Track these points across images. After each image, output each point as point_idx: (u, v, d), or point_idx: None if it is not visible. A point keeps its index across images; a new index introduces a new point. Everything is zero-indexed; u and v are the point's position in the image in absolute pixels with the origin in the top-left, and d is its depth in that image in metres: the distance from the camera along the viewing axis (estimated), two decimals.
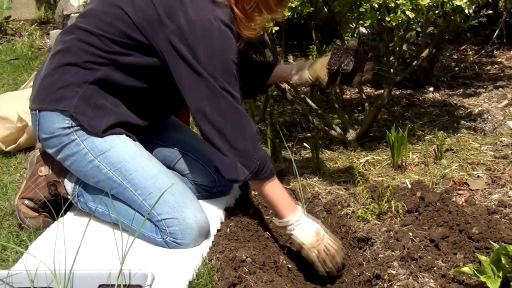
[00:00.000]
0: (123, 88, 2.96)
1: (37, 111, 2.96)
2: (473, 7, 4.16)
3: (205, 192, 3.34)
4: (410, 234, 2.96)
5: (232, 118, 2.85)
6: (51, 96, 2.93)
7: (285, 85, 4.18)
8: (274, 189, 2.99)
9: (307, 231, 2.95)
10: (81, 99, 2.89)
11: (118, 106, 2.98)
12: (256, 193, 3.48)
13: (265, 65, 3.52)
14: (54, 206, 3.04)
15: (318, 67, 3.31)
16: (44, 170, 3.18)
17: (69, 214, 3.21)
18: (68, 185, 3.13)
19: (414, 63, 4.43)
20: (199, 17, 2.79)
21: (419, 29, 5.20)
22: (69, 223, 3.05)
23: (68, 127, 2.90)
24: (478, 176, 3.50)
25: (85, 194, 3.09)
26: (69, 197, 3.12)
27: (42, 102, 2.95)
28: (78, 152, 2.93)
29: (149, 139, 3.27)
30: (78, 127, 2.91)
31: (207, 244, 2.94)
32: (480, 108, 4.86)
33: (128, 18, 2.87)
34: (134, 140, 3.03)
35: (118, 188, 2.93)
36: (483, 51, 6.29)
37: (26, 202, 3.19)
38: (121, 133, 2.98)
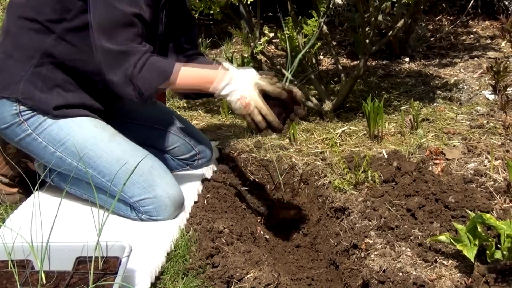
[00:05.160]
0: (69, 64, 2.85)
1: None
2: None
3: (186, 166, 3.33)
4: (387, 203, 2.97)
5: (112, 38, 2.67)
6: None
7: (261, 56, 4.16)
8: (182, 83, 2.78)
9: (234, 102, 2.75)
10: (27, 83, 2.80)
11: (67, 88, 2.87)
12: (233, 164, 3.49)
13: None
14: (30, 176, 3.02)
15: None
16: (13, 148, 3.12)
17: (45, 188, 3.18)
18: (38, 168, 3.09)
19: (389, 34, 4.42)
20: None
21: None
22: (45, 196, 3.03)
23: (17, 114, 2.81)
24: (454, 146, 3.51)
25: (57, 176, 3.02)
26: (41, 176, 3.06)
27: None
28: (37, 146, 2.88)
29: (125, 119, 3.25)
30: (27, 112, 2.82)
31: (184, 215, 2.94)
32: (455, 78, 4.87)
33: None
34: (93, 118, 2.93)
35: (86, 176, 2.82)
36: (458, 21, 6.30)
37: (0, 178, 3.17)
38: (76, 115, 2.88)
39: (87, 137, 2.86)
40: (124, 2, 2.66)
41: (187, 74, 2.77)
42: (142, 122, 3.29)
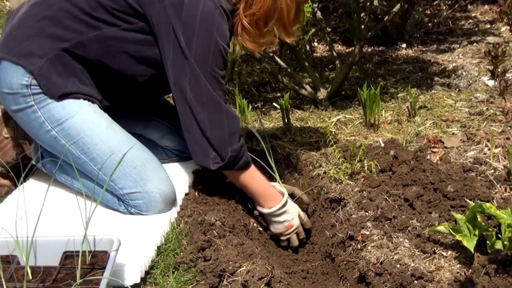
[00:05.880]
0: (95, 64, 2.86)
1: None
2: None
3: (176, 156, 3.32)
4: (384, 193, 2.97)
5: (210, 106, 2.80)
6: (19, 49, 2.81)
7: None
8: (249, 180, 3.02)
9: (280, 224, 3.09)
10: (49, 62, 2.78)
11: (83, 81, 2.88)
12: None
13: None
14: (15, 171, 3.01)
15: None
16: (9, 132, 3.11)
17: (31, 180, 3.18)
18: (34, 152, 3.07)
19: (385, 19, 4.42)
20: None
21: None
22: (31, 189, 3.03)
23: (26, 85, 2.78)
24: (453, 133, 3.51)
25: (49, 162, 3.02)
26: (33, 162, 3.05)
27: (8, 52, 2.83)
28: (34, 120, 2.84)
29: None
30: (36, 88, 2.79)
31: (175, 208, 2.93)
32: (454, 64, 4.87)
33: None
34: (92, 103, 2.91)
35: (77, 161, 2.85)
36: (456, 6, 6.30)
37: None
38: (79, 98, 2.86)
39: (86, 121, 2.84)
40: (221, 66, 2.85)
41: (255, 179, 3.04)
42: (131, 108, 3.28)
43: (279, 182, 3.22)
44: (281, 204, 3.03)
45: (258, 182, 3.03)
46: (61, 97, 2.81)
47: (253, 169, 3.00)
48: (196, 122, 2.80)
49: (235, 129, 2.87)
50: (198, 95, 2.78)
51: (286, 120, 3.85)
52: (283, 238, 3.13)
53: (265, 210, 3.05)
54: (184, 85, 2.77)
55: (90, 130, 2.84)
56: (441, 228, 2.53)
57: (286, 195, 3.07)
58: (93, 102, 2.91)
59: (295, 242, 3.14)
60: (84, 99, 2.88)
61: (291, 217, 3.08)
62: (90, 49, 2.82)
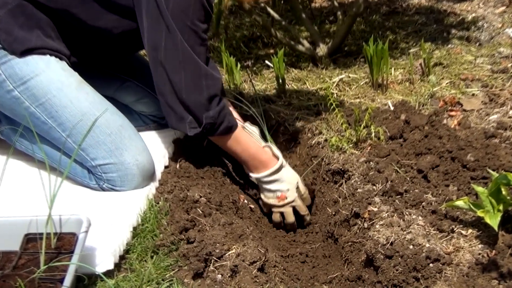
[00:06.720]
0: (61, 14, 2.85)
1: None
2: None
3: (153, 123, 3.31)
4: (394, 164, 2.96)
5: (187, 67, 2.78)
6: None
7: None
8: (234, 146, 3.02)
9: (271, 193, 3.10)
10: (9, 13, 2.77)
11: (48, 34, 2.86)
12: None
13: None
14: None
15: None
16: None
17: None
18: None
19: None
20: None
21: None
22: None
23: None
24: (473, 94, 3.51)
25: (5, 124, 3.00)
26: None
27: None
28: None
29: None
30: None
31: (153, 183, 2.92)
32: (474, 15, 4.86)
33: None
34: (60, 60, 2.89)
35: (43, 127, 2.83)
36: None
37: None
38: (45, 54, 2.84)
39: (54, 80, 2.81)
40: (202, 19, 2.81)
41: (242, 144, 3.04)
42: (102, 67, 3.25)
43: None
44: (272, 170, 3.02)
45: (246, 147, 3.04)
46: (24, 53, 2.79)
47: (238, 133, 3.00)
48: (171, 84, 2.79)
49: (215, 91, 2.86)
50: (173, 54, 2.76)
51: (280, 81, 3.83)
52: (275, 210, 3.13)
53: (253, 175, 3.06)
54: (158, 42, 2.76)
55: (58, 90, 2.81)
56: (460, 203, 2.52)
57: (281, 160, 3.06)
58: (61, 59, 2.89)
59: (290, 217, 3.13)
60: (51, 55, 2.85)
61: (285, 187, 3.07)
62: None
